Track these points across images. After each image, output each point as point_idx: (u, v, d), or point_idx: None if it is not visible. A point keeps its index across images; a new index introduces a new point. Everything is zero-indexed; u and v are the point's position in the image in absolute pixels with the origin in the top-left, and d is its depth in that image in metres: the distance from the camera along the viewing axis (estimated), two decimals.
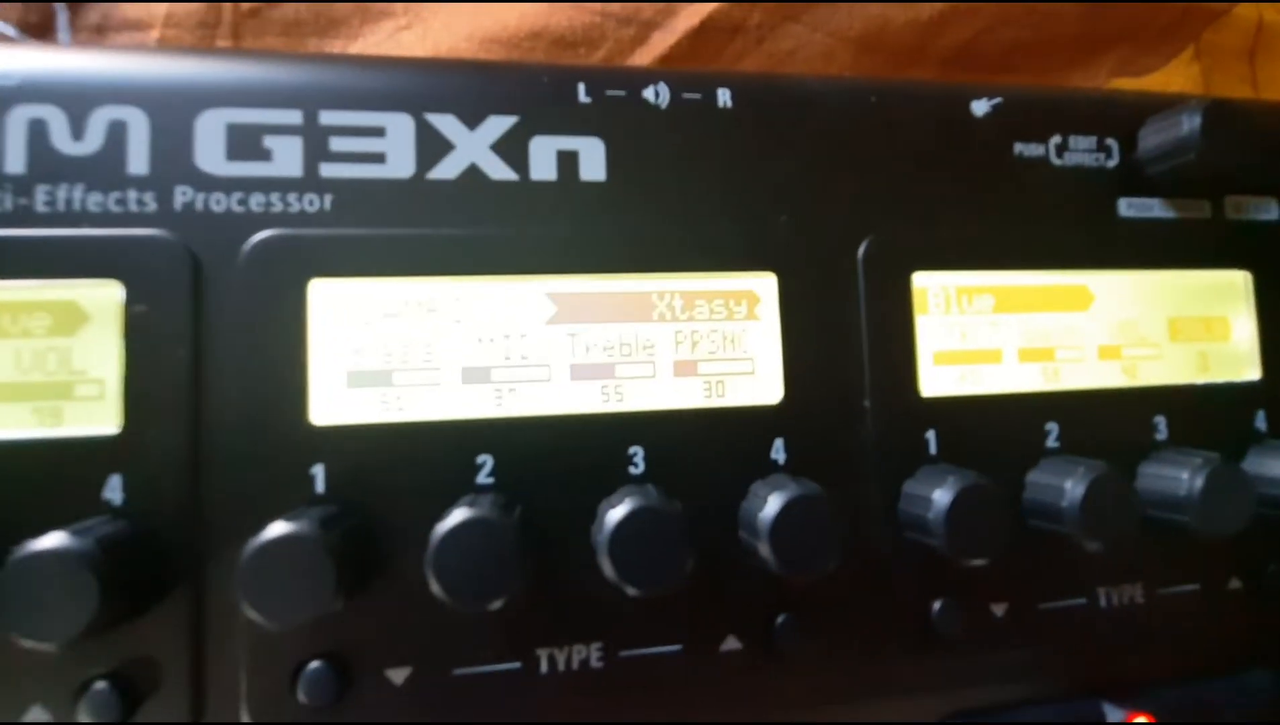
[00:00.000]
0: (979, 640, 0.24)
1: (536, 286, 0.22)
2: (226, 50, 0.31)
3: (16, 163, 0.20)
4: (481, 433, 0.21)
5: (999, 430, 0.25)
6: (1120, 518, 0.22)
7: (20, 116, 0.20)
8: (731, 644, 0.22)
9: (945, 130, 0.26)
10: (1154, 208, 0.27)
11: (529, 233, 0.22)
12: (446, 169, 0.22)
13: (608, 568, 0.19)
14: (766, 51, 0.36)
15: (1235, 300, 0.28)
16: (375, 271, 0.21)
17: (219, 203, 0.21)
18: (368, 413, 0.21)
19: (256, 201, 0.21)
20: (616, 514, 0.19)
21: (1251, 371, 0.27)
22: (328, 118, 0.21)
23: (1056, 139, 0.27)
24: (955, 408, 0.24)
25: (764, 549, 0.20)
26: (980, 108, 0.26)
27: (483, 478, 0.21)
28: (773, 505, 0.20)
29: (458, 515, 0.19)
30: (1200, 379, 0.27)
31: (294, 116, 0.21)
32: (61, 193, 0.20)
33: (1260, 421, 0.27)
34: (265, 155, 0.21)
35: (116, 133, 0.20)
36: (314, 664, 0.20)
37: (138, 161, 0.20)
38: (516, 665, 0.21)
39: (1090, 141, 0.27)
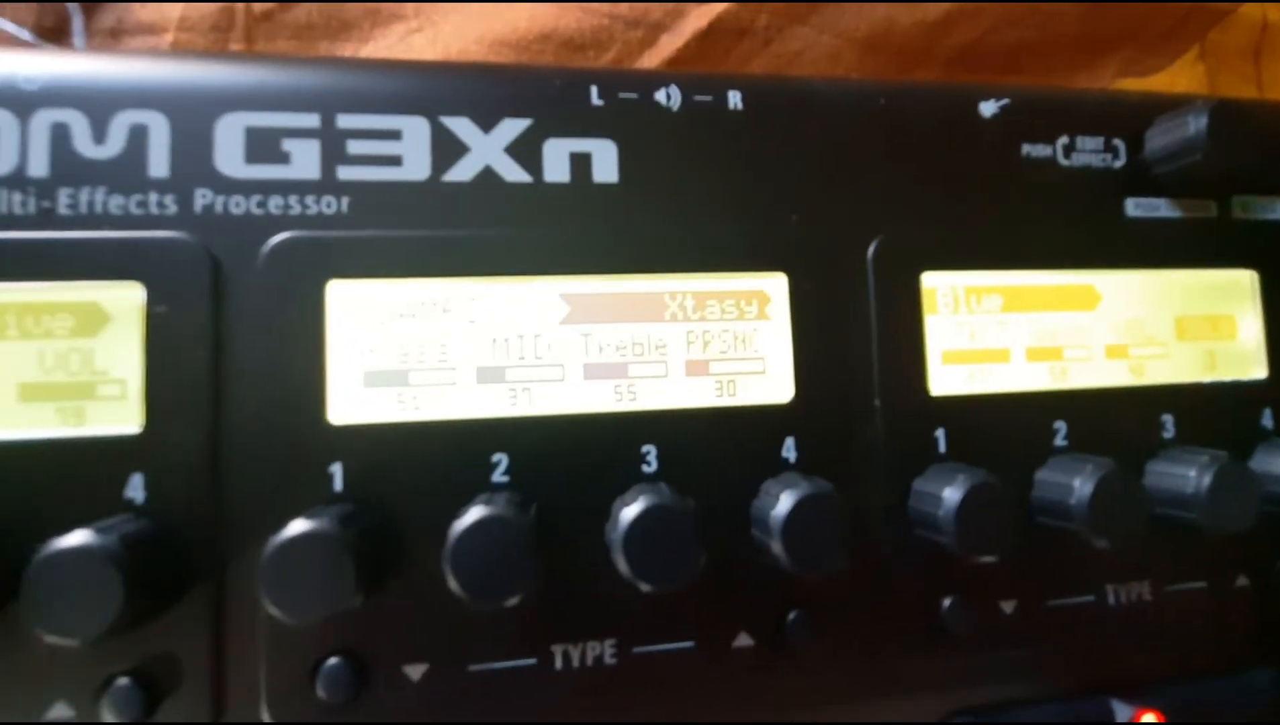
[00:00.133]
0: (988, 637, 0.24)
1: (550, 287, 0.22)
2: (245, 55, 0.32)
3: (40, 166, 0.20)
4: (496, 432, 0.22)
5: (1007, 429, 0.25)
6: (1128, 516, 0.23)
7: (43, 121, 0.20)
8: (743, 641, 0.23)
9: (953, 131, 0.26)
10: (1161, 207, 0.27)
11: (543, 234, 0.23)
12: (461, 171, 0.22)
13: (622, 565, 0.20)
14: (774, 53, 0.36)
15: (1242, 299, 0.28)
16: (392, 272, 0.21)
17: (238, 205, 0.21)
18: (384, 412, 0.21)
19: (275, 204, 0.21)
20: (631, 512, 0.20)
21: (1258, 370, 0.28)
22: (345, 121, 0.22)
23: (1064, 139, 0.27)
24: (964, 407, 0.25)
25: (776, 547, 0.20)
26: (988, 109, 0.26)
27: (498, 476, 0.21)
28: (785, 503, 0.21)
29: (475, 513, 0.19)
30: (1207, 378, 0.27)
31: (312, 120, 0.22)
32: (84, 196, 0.20)
33: (1267, 420, 0.27)
34: (284, 158, 0.21)
35: (137, 136, 0.21)
36: (332, 660, 0.20)
37: (158, 164, 0.21)
38: (531, 661, 0.21)
39: (1097, 142, 0.27)
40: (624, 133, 0.23)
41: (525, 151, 0.23)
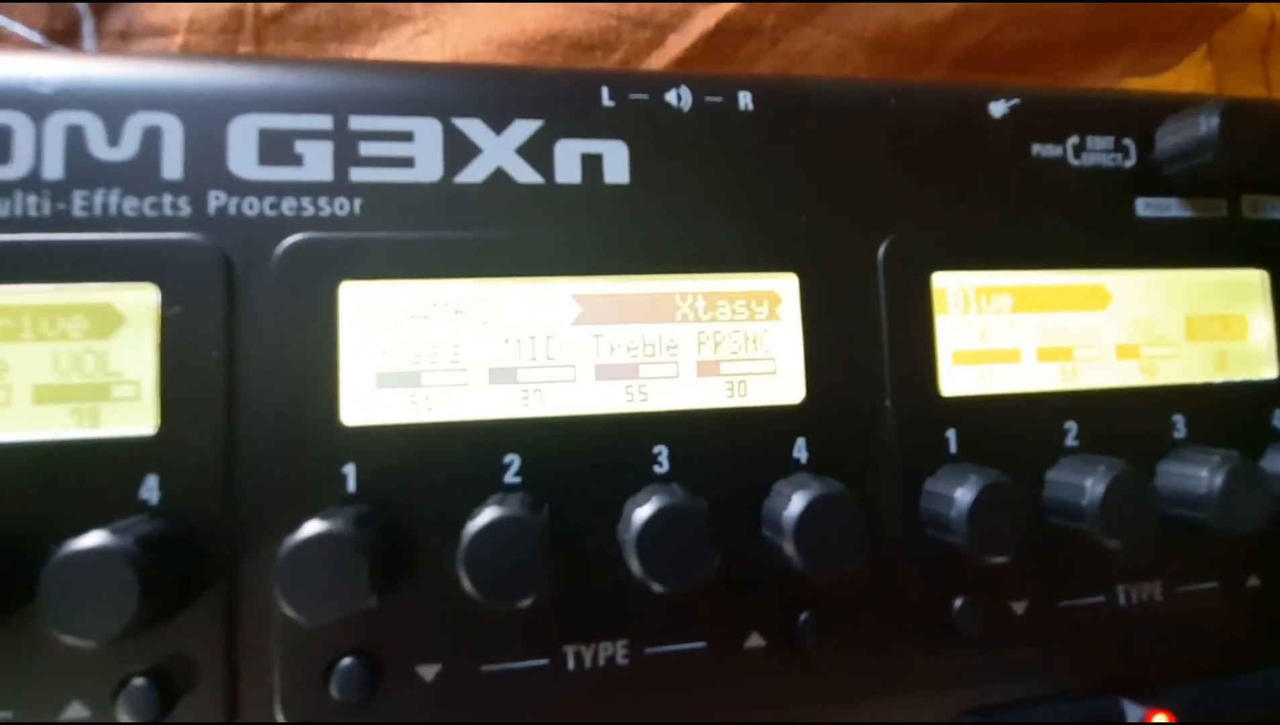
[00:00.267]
0: (999, 637, 0.24)
1: (562, 288, 0.22)
2: (258, 57, 0.32)
3: (54, 168, 0.20)
4: (508, 432, 0.22)
5: (1018, 429, 0.25)
6: (1140, 516, 0.23)
7: (58, 123, 0.20)
8: (755, 641, 0.23)
9: (963, 131, 0.26)
10: (1171, 207, 0.27)
11: (554, 235, 0.23)
12: (473, 173, 0.22)
13: (635, 565, 0.20)
14: (781, 53, 0.36)
15: (1253, 299, 0.28)
16: (404, 274, 0.21)
17: (251, 207, 0.21)
18: (397, 413, 0.21)
19: (288, 205, 0.21)
20: (644, 512, 0.20)
21: (1269, 370, 0.27)
22: (357, 123, 0.22)
23: (1074, 139, 0.27)
24: (975, 407, 0.25)
25: (788, 547, 0.20)
26: (998, 109, 0.26)
27: (510, 477, 0.21)
28: (797, 504, 0.21)
29: (489, 514, 0.19)
30: (1218, 377, 0.27)
31: (324, 121, 0.22)
32: (98, 198, 0.20)
33: (1278, 420, 0.27)
34: (296, 160, 0.21)
35: (151, 138, 0.21)
36: (346, 661, 0.20)
37: (172, 166, 0.21)
38: (544, 662, 0.21)
39: (1107, 142, 0.27)
40: (635, 134, 0.23)
41: (537, 152, 0.23)
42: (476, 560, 0.19)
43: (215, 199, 0.21)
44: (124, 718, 0.19)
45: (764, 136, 0.24)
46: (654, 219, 0.23)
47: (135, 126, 0.21)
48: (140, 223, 0.20)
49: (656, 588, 0.20)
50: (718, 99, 0.24)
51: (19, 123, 0.20)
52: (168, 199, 0.21)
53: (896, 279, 0.25)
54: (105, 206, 0.20)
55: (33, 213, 0.20)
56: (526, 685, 0.21)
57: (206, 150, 0.21)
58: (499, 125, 0.23)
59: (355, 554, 0.18)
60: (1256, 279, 0.28)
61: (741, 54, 0.36)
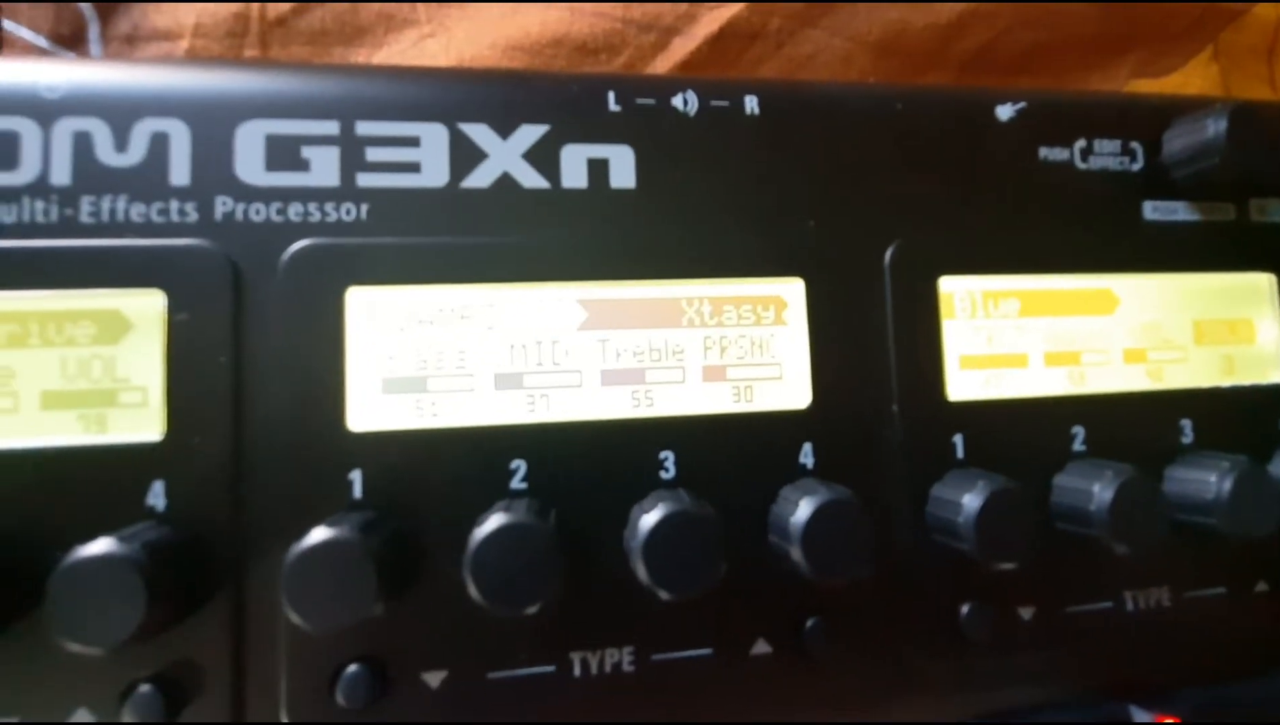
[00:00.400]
0: (1007, 643, 0.24)
1: (568, 293, 0.22)
2: (265, 62, 0.32)
3: (62, 174, 0.20)
4: (514, 438, 0.22)
5: (1026, 434, 0.25)
6: (1149, 521, 0.22)
7: (65, 129, 0.20)
8: (762, 648, 0.23)
9: (970, 135, 0.26)
10: (1179, 211, 0.27)
11: (560, 240, 0.23)
12: (480, 178, 0.22)
13: (641, 572, 0.20)
14: (786, 56, 0.36)
15: (1260, 303, 0.28)
16: (410, 279, 0.21)
17: (258, 212, 0.21)
18: (403, 419, 0.21)
19: (295, 211, 0.21)
20: (650, 518, 0.20)
21: (1277, 374, 0.27)
22: (364, 128, 0.22)
23: (1081, 143, 0.27)
24: (982, 412, 0.25)
25: (796, 553, 0.20)
26: (1005, 112, 0.26)
27: (516, 483, 0.21)
28: (804, 509, 0.20)
29: (495, 520, 0.19)
30: (1226, 382, 0.27)
31: (331, 127, 0.22)
32: (105, 203, 0.20)
33: None
34: (303, 165, 0.21)
35: (159, 144, 0.21)
36: (352, 667, 0.20)
37: (179, 172, 0.21)
38: (550, 669, 0.21)
39: (1115, 145, 0.27)
40: (641, 138, 0.23)
41: (543, 157, 0.23)
42: (483, 566, 0.19)
43: (222, 205, 0.21)
44: (131, 723, 0.19)
45: (770, 141, 0.24)
46: (660, 224, 0.23)
47: (142, 132, 0.21)
48: (147, 229, 0.20)
49: (663, 594, 0.19)
50: (724, 103, 0.24)
51: (26, 129, 0.20)
52: (175, 205, 0.21)
53: (903, 283, 0.24)
54: (113, 212, 0.20)
55: (40, 219, 0.20)
56: (532, 692, 0.21)
57: (213, 156, 0.21)
58: (505, 130, 0.23)
59: (361, 561, 0.18)
60: (1265, 282, 0.28)
61: (746, 57, 0.36)
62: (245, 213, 0.21)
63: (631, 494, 0.21)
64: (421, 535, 0.21)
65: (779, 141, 0.24)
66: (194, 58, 0.32)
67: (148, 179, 0.21)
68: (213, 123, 0.21)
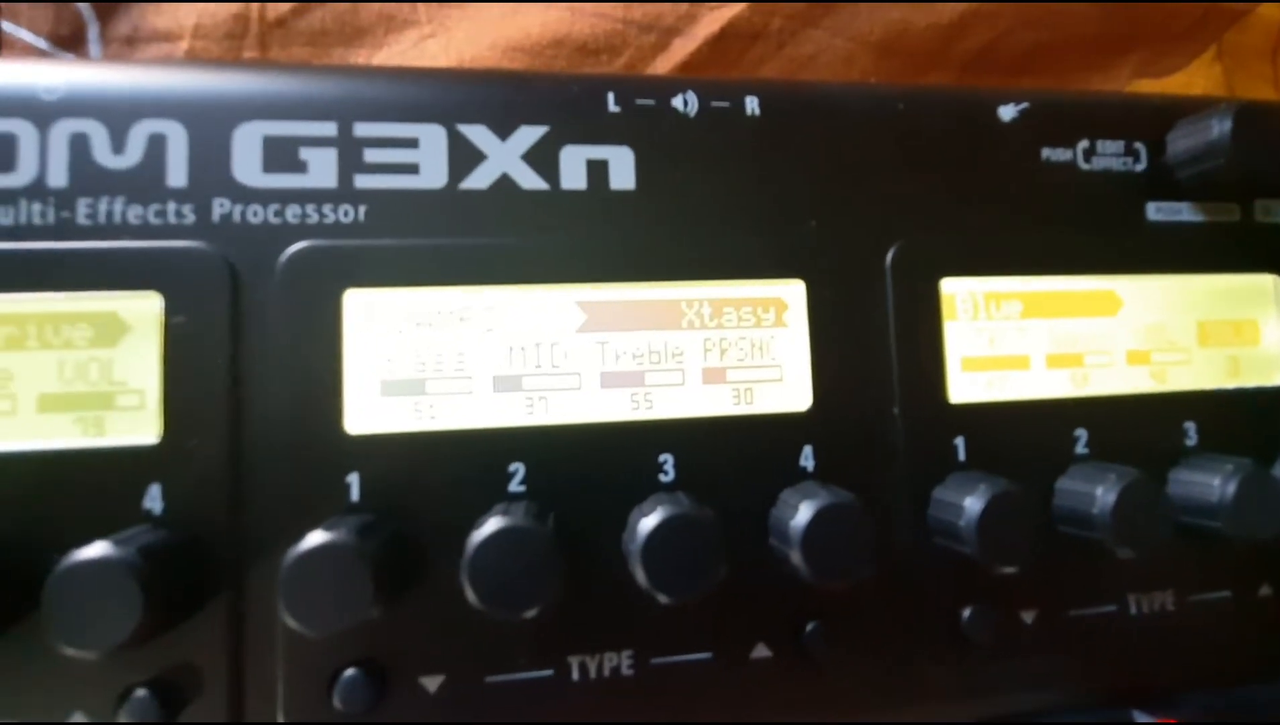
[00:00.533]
0: (1009, 647, 0.24)
1: (567, 295, 0.22)
2: (263, 63, 0.32)
3: (59, 176, 0.20)
4: (513, 441, 0.21)
5: (1028, 436, 0.25)
6: (1152, 525, 0.22)
7: (63, 131, 0.20)
8: (761, 651, 0.22)
9: (972, 135, 0.26)
10: (1183, 211, 0.27)
11: (559, 242, 0.22)
12: (478, 179, 0.22)
13: (640, 575, 0.19)
14: (787, 56, 0.36)
15: (1265, 304, 0.27)
16: (408, 281, 0.21)
17: (256, 214, 0.21)
18: (401, 421, 0.21)
19: (292, 213, 0.21)
20: (649, 522, 0.19)
21: None
22: (362, 129, 0.22)
23: (1084, 143, 0.27)
24: (984, 414, 0.24)
25: (795, 557, 0.20)
26: (1007, 113, 0.26)
27: (515, 486, 0.21)
28: (804, 513, 0.20)
29: (493, 524, 0.19)
30: (1230, 384, 0.27)
31: (329, 128, 0.22)
32: (103, 206, 0.20)
33: None
34: (301, 167, 0.21)
35: (156, 146, 0.21)
36: (349, 671, 0.20)
37: (177, 174, 0.21)
38: (548, 673, 0.21)
39: (1118, 146, 0.27)
40: (641, 139, 0.23)
41: (542, 159, 0.23)
42: (481, 570, 0.18)
43: (220, 206, 0.21)
44: None
45: (771, 141, 0.24)
46: (660, 225, 0.23)
47: (140, 134, 0.21)
48: (145, 231, 0.20)
49: (662, 598, 0.19)
50: (724, 104, 0.24)
51: (24, 130, 0.20)
52: (172, 207, 0.21)
53: (905, 285, 0.24)
54: (110, 214, 0.20)
55: (37, 221, 0.20)
56: (531, 696, 0.21)
57: (211, 158, 0.21)
58: (504, 131, 0.23)
59: (358, 564, 0.18)
60: (1270, 284, 0.27)
61: (747, 58, 0.36)
62: (243, 214, 0.21)
63: (630, 497, 0.21)
64: (419, 538, 0.21)
65: (780, 142, 0.24)
66: (194, 59, 0.32)
67: (145, 181, 0.21)
68: (210, 124, 0.21)
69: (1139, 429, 0.25)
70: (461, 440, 0.21)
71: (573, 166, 0.23)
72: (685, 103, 0.24)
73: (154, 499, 0.20)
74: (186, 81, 0.21)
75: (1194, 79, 0.44)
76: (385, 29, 0.33)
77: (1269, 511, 0.23)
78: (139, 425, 0.20)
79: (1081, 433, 0.25)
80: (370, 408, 0.21)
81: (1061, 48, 0.39)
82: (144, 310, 0.20)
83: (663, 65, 0.35)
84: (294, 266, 0.21)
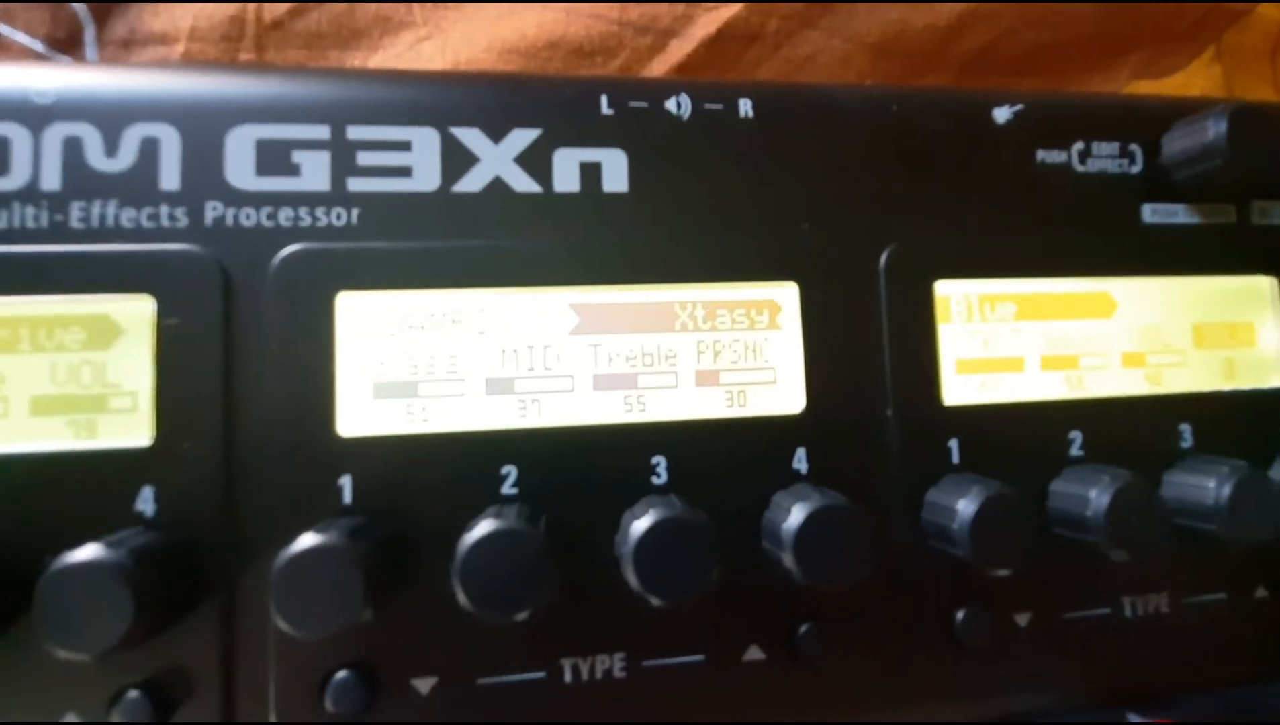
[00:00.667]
0: (1003, 650, 0.24)
1: (560, 297, 0.22)
2: (256, 66, 0.32)
3: (52, 180, 0.20)
4: (506, 443, 0.21)
5: (1022, 439, 0.25)
6: (1147, 527, 0.22)
7: (56, 134, 0.20)
8: (754, 654, 0.22)
9: (967, 137, 0.26)
10: (1178, 213, 0.27)
11: (552, 244, 0.22)
12: (471, 182, 0.22)
13: (632, 578, 0.19)
14: (784, 58, 0.36)
15: (1261, 306, 0.27)
16: (401, 284, 0.21)
17: (249, 217, 0.21)
18: (394, 424, 0.21)
19: (285, 216, 0.21)
20: (641, 524, 0.19)
21: (1278, 378, 0.27)
22: (355, 132, 0.22)
23: (1079, 145, 0.26)
24: (978, 416, 0.24)
25: (788, 559, 0.20)
26: (1002, 114, 0.26)
27: (507, 488, 0.21)
28: (796, 515, 0.20)
29: (485, 526, 0.19)
30: (1226, 386, 0.27)
31: (322, 131, 0.22)
32: (95, 209, 0.20)
33: None
34: (294, 170, 0.21)
35: (149, 149, 0.21)
36: (341, 673, 0.20)
37: (170, 177, 0.21)
38: (540, 675, 0.21)
39: (1113, 147, 0.27)
40: (634, 142, 0.23)
41: (535, 161, 0.23)
42: (472, 573, 0.18)
43: (212, 209, 0.21)
44: None
45: (764, 143, 0.24)
46: (653, 228, 0.23)
47: (133, 137, 0.21)
48: (137, 234, 0.20)
49: (654, 601, 0.19)
50: (718, 106, 0.24)
51: (17, 134, 0.20)
52: (165, 210, 0.21)
53: (898, 287, 0.24)
54: (103, 217, 0.20)
55: (30, 224, 0.20)
56: (523, 698, 0.21)
57: (204, 161, 0.21)
58: (497, 134, 0.23)
59: (350, 567, 0.18)
60: (1265, 286, 0.27)
61: (744, 59, 0.36)
62: (235, 218, 0.21)
63: (623, 500, 0.21)
64: (412, 541, 0.21)
65: (773, 144, 0.24)
66: (190, 61, 0.32)
67: (138, 184, 0.21)
68: (203, 127, 0.21)
69: (1134, 431, 0.25)
70: (454, 442, 0.21)
71: (566, 169, 0.23)
72: (679, 105, 0.24)
73: (146, 501, 0.20)
74: (179, 84, 0.21)
75: (1193, 79, 0.44)
76: (381, 31, 0.33)
77: (1264, 514, 0.23)
78: (131, 428, 0.20)
79: (1076, 435, 0.25)
80: (363, 410, 0.21)
81: (1061, 48, 0.39)
82: (137, 313, 0.20)
83: (659, 67, 0.35)
84: (287, 269, 0.21)
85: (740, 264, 0.23)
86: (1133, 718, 0.27)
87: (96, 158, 0.21)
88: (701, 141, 0.24)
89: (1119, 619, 0.25)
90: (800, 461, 0.23)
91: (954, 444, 0.24)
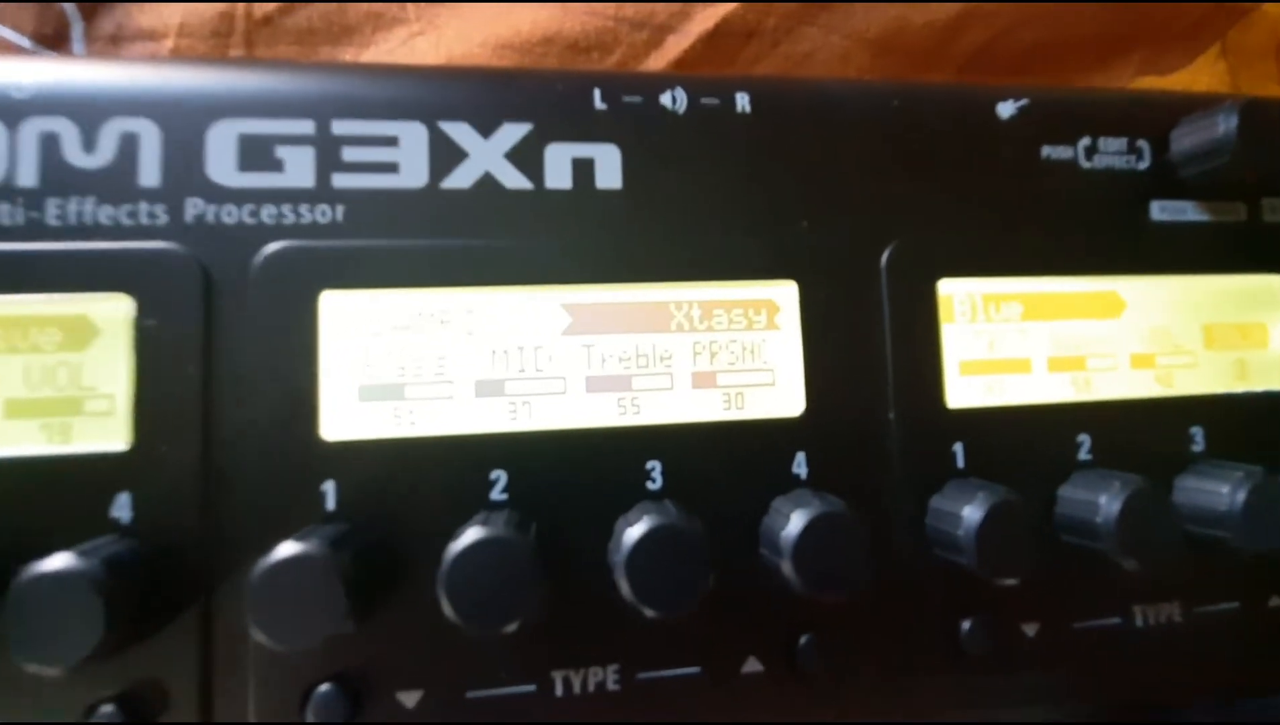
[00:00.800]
0: (1010, 660, 0.23)
1: (551, 297, 0.22)
2: (238, 60, 0.31)
3: (29, 176, 0.20)
4: (495, 447, 0.21)
5: (1029, 443, 0.24)
6: (1159, 535, 0.22)
7: (32, 129, 0.20)
8: (752, 666, 0.22)
9: (970, 133, 0.25)
10: (1187, 211, 0.26)
11: (544, 242, 0.22)
12: (460, 178, 0.22)
13: (625, 588, 0.19)
14: (783, 54, 0.35)
15: (1273, 306, 0.27)
16: (387, 282, 0.21)
17: (230, 214, 0.20)
18: (379, 427, 0.20)
19: (268, 213, 0.21)
20: (635, 533, 0.19)
21: None
22: (340, 127, 0.21)
23: (1085, 141, 0.26)
24: (983, 419, 0.24)
25: (787, 568, 0.20)
26: (1006, 110, 0.25)
27: (496, 494, 0.21)
28: (796, 523, 0.20)
29: (471, 534, 0.18)
30: (1238, 388, 0.26)
31: (306, 126, 0.21)
32: (73, 206, 0.20)
33: None
34: (277, 166, 0.21)
35: (128, 145, 0.20)
36: (324, 686, 0.20)
37: (149, 174, 0.20)
38: (531, 688, 0.21)
39: (1120, 143, 0.26)
40: (628, 137, 0.23)
41: (526, 157, 0.22)
42: (458, 583, 0.18)
43: (193, 207, 0.20)
44: None
45: (762, 139, 0.24)
46: (647, 225, 0.23)
47: (111, 133, 0.20)
48: (116, 232, 0.20)
49: (648, 611, 0.19)
50: (714, 101, 0.23)
51: None
52: (144, 207, 0.20)
53: (900, 286, 0.24)
54: (80, 215, 0.20)
55: (5, 221, 0.20)
56: (513, 712, 0.20)
57: (184, 157, 0.20)
58: (486, 129, 0.22)
59: (331, 577, 0.17)
60: (1278, 285, 0.27)
61: (742, 56, 0.35)
62: (217, 215, 0.20)
63: (616, 506, 0.21)
64: (397, 549, 0.20)
65: (771, 140, 0.24)
66: (179, 57, 0.32)
67: (116, 180, 0.20)
68: (184, 122, 0.20)
69: (1144, 435, 0.25)
70: (441, 447, 0.21)
71: (557, 165, 0.22)
72: (674, 100, 0.23)
73: (123, 508, 0.19)
74: (159, 79, 0.21)
75: (1197, 77, 0.44)
76: (373, 27, 0.33)
77: (1279, 520, 0.22)
78: (108, 431, 0.19)
79: (1084, 438, 0.24)
80: (347, 413, 0.20)
81: (1062, 47, 0.39)
82: (114, 313, 0.20)
83: (656, 63, 0.34)
84: (269, 268, 0.20)
85: (737, 263, 0.23)
86: None
87: (74, 154, 0.20)
88: (697, 137, 0.23)
89: (1130, 629, 0.24)
90: (800, 466, 0.22)
91: (958, 448, 0.23)
